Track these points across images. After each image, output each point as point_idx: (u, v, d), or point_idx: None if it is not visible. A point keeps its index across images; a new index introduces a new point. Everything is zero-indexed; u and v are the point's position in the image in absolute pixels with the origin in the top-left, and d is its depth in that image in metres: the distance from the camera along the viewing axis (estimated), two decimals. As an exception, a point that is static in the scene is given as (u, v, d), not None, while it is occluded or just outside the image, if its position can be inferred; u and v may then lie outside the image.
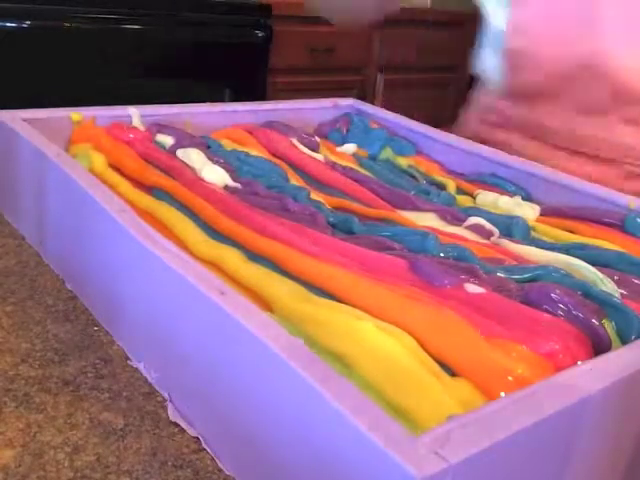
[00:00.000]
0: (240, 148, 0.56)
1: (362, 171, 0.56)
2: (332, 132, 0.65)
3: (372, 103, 0.71)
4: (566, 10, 0.54)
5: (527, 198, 0.54)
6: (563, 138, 0.58)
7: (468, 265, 0.37)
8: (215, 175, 0.48)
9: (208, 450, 0.31)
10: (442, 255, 0.39)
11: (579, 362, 0.30)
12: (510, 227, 0.46)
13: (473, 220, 0.46)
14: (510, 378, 0.28)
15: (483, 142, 0.57)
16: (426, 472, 0.21)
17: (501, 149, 0.55)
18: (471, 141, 0.61)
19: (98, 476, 0.29)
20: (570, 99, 0.56)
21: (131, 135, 0.54)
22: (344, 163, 0.57)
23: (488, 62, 0.64)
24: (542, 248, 0.42)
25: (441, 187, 0.56)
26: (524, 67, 0.58)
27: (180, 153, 0.52)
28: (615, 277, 0.38)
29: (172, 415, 0.33)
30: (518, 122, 0.61)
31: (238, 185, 0.48)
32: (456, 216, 0.47)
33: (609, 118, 0.54)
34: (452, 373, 0.30)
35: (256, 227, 0.40)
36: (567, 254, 0.41)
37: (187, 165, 0.50)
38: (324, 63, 1.81)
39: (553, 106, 0.57)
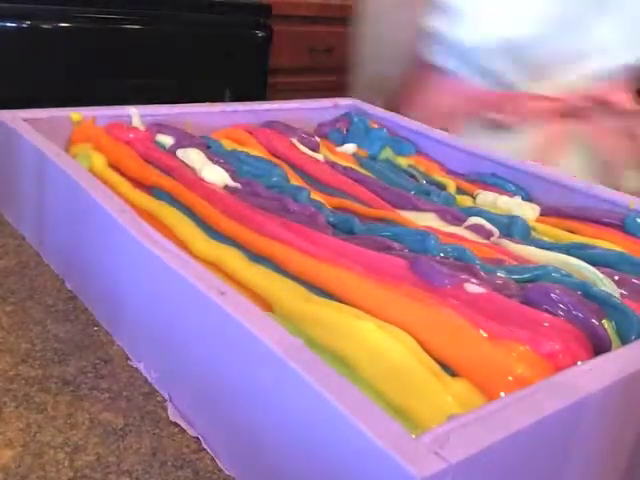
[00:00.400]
0: (240, 148, 0.56)
1: (362, 171, 0.56)
2: (332, 132, 0.65)
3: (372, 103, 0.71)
4: None
5: (527, 198, 0.54)
6: None
7: (468, 265, 0.37)
8: (215, 175, 0.48)
9: (208, 450, 0.31)
10: (442, 255, 0.38)
11: (579, 362, 0.30)
12: (510, 227, 0.46)
13: (473, 220, 0.46)
14: (510, 378, 0.28)
15: None
16: (426, 472, 0.21)
17: None
18: (471, 141, 0.61)
19: (98, 476, 0.29)
20: None
21: (131, 135, 0.54)
22: (344, 163, 0.57)
23: None
24: (542, 248, 0.42)
25: (441, 187, 0.56)
26: None
27: (180, 153, 0.52)
28: (615, 277, 0.38)
29: (172, 415, 0.33)
30: None
31: (238, 185, 0.48)
32: (456, 216, 0.47)
33: None
34: (452, 373, 0.30)
35: (256, 227, 0.40)
36: (567, 254, 0.41)
37: (187, 165, 0.50)
38: (324, 63, 1.80)
39: None
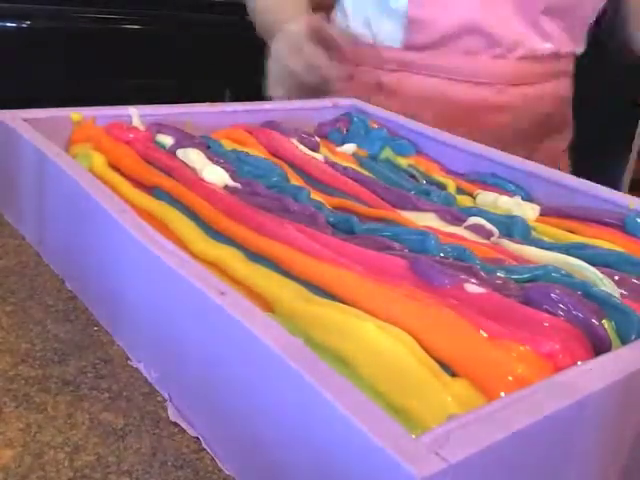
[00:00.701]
0: (240, 148, 0.56)
1: (362, 171, 0.56)
2: (332, 132, 0.65)
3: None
4: None
5: (527, 198, 0.54)
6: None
7: (468, 265, 0.37)
8: (215, 175, 0.48)
9: (208, 450, 0.31)
10: (442, 255, 0.38)
11: (579, 362, 0.30)
12: (510, 227, 0.46)
13: (473, 220, 0.46)
14: (510, 378, 0.28)
15: None
16: (426, 472, 0.21)
17: None
18: (471, 141, 0.61)
19: (98, 476, 0.29)
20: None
21: (131, 135, 0.53)
22: (344, 163, 0.57)
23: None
24: (542, 248, 0.42)
25: (441, 187, 0.56)
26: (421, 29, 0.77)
27: (180, 153, 0.52)
28: (615, 277, 0.38)
29: (172, 415, 0.33)
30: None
31: (238, 185, 0.48)
32: (456, 216, 0.47)
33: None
34: (452, 373, 0.30)
35: (256, 227, 0.40)
36: (567, 254, 0.41)
37: (187, 165, 0.50)
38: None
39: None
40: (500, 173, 0.57)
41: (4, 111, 0.52)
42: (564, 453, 0.26)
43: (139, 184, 0.48)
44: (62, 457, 0.30)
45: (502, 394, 0.28)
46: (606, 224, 0.48)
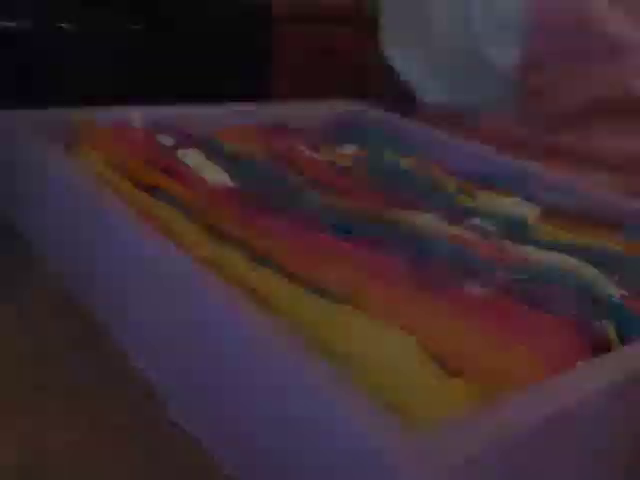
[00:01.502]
0: (240, 148, 0.56)
1: (362, 171, 0.56)
2: (332, 132, 0.65)
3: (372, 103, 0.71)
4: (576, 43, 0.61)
5: (527, 198, 0.54)
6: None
7: (468, 265, 0.37)
8: (215, 175, 0.48)
9: (208, 450, 0.31)
10: (442, 255, 0.38)
11: (579, 362, 0.30)
12: (510, 227, 0.46)
13: (473, 220, 0.46)
14: (510, 378, 0.28)
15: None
16: (425, 472, 0.21)
17: None
18: (471, 141, 0.61)
19: (98, 476, 0.29)
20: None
21: (132, 135, 0.54)
22: (344, 163, 0.57)
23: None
24: (542, 248, 0.42)
25: (441, 187, 0.56)
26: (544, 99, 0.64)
27: (180, 153, 0.52)
28: (615, 277, 0.38)
29: (172, 415, 0.33)
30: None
31: (238, 185, 0.48)
32: (456, 216, 0.47)
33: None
34: (452, 373, 0.30)
35: (257, 228, 0.40)
36: (567, 254, 0.41)
37: (187, 165, 0.50)
38: (325, 63, 1.81)
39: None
40: (500, 173, 0.57)
41: (4, 111, 0.52)
42: (564, 453, 0.26)
43: (139, 184, 0.48)
44: (62, 457, 0.30)
45: (502, 394, 0.28)
46: (606, 224, 0.48)
